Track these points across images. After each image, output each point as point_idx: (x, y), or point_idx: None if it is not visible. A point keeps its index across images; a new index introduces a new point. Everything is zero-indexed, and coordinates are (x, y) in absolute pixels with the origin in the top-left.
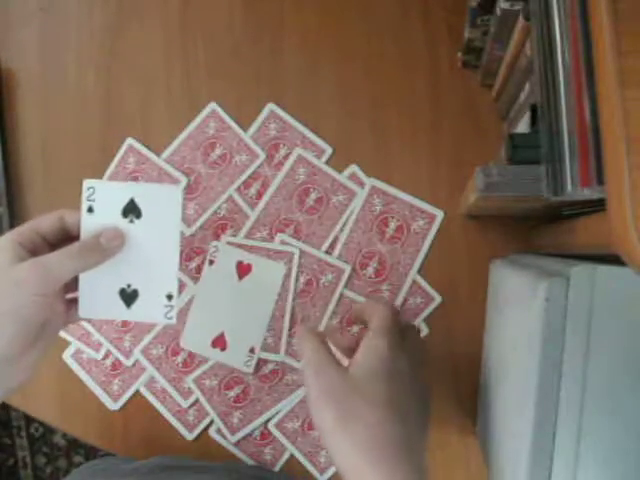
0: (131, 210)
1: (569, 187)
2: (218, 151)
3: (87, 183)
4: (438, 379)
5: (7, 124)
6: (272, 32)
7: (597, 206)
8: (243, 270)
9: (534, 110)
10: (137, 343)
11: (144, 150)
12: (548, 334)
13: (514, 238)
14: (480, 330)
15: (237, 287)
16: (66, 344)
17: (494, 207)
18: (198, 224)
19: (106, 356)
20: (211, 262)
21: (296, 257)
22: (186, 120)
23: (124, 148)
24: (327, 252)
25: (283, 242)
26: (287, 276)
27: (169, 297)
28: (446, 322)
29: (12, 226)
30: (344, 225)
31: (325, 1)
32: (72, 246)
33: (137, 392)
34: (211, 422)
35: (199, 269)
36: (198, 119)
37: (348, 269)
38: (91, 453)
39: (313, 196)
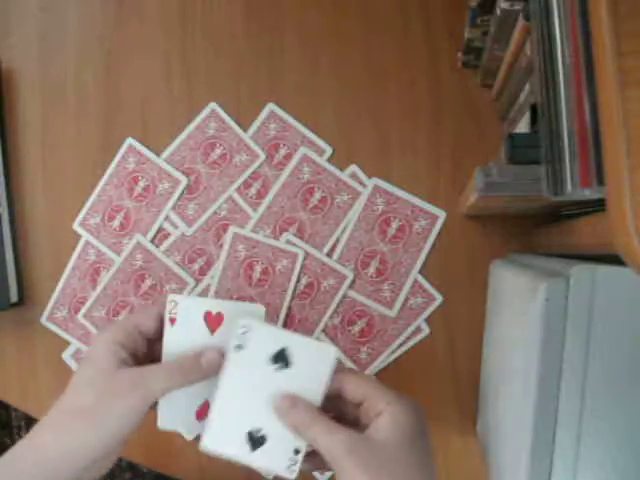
0: (281, 359)
1: (569, 187)
2: (218, 151)
3: (242, 321)
4: (438, 379)
5: (7, 124)
6: (272, 32)
7: (597, 206)
8: (213, 322)
9: (534, 110)
10: None
11: (144, 150)
12: (548, 334)
13: (514, 238)
14: (480, 330)
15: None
16: (66, 344)
17: (494, 207)
18: (198, 224)
19: None
20: (172, 321)
21: (300, 258)
22: (186, 120)
23: (124, 148)
24: (329, 254)
25: (289, 242)
26: (288, 278)
27: (296, 452)
28: (447, 322)
29: (12, 226)
30: (347, 224)
31: (325, 1)
32: (172, 365)
33: None
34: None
35: (202, 271)
36: (198, 119)
37: (351, 276)
38: None
39: (317, 195)
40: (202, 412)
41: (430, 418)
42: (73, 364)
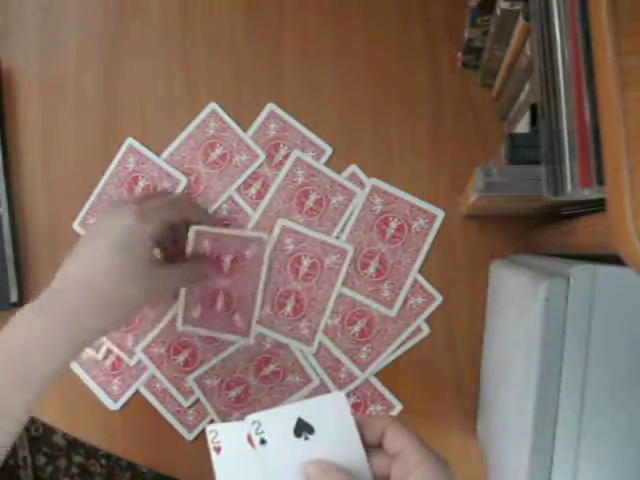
0: (302, 428)
1: (569, 187)
2: (218, 151)
3: (251, 418)
4: (438, 379)
5: (7, 124)
6: (272, 32)
7: (597, 206)
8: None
9: (534, 110)
10: (139, 342)
11: (144, 150)
12: (548, 334)
13: (514, 238)
14: (480, 330)
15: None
16: None
17: (494, 207)
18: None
19: (106, 356)
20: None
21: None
22: (186, 120)
23: (124, 148)
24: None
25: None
26: (274, 258)
27: None
28: (447, 322)
29: (12, 226)
30: (345, 225)
31: (325, 2)
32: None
33: (137, 392)
34: (211, 422)
35: None
36: (198, 119)
37: (351, 251)
38: (91, 453)
39: (312, 198)
40: None
41: (430, 418)
42: (73, 364)
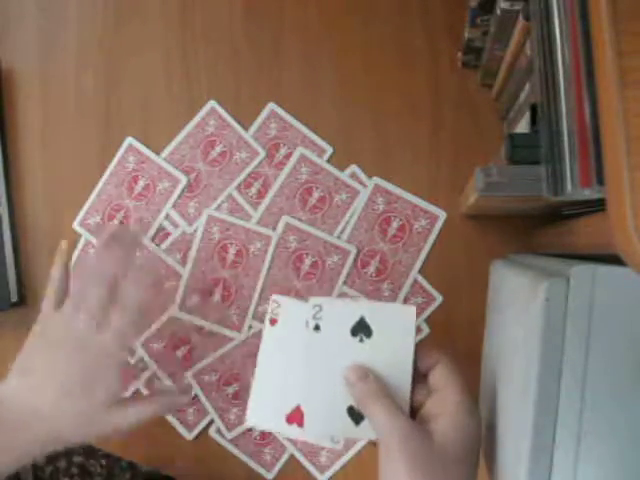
0: (361, 329)
1: (569, 187)
2: (218, 149)
3: (314, 300)
4: None
5: (7, 124)
6: (272, 32)
7: (597, 206)
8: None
9: (534, 110)
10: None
11: (144, 149)
12: (548, 334)
13: (514, 238)
14: (480, 330)
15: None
16: None
17: (494, 207)
18: (199, 223)
19: None
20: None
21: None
22: (186, 119)
23: (124, 147)
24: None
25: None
26: (276, 249)
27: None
28: (447, 321)
29: (12, 226)
30: (346, 224)
31: (325, 2)
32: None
33: (137, 392)
34: (211, 422)
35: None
36: (197, 117)
37: (354, 252)
38: (91, 453)
39: (316, 195)
40: (293, 417)
41: None
42: None
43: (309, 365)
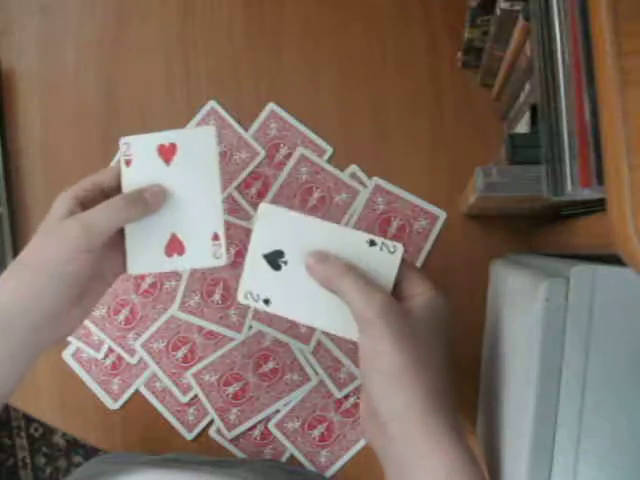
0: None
1: (569, 187)
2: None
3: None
4: None
5: (7, 123)
6: (272, 32)
7: (597, 206)
8: (167, 153)
9: (534, 110)
10: (139, 337)
11: None
12: (548, 334)
13: (514, 238)
14: (480, 330)
15: (168, 175)
16: (66, 344)
17: (494, 207)
18: None
19: (106, 355)
20: (128, 162)
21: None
22: (186, 119)
23: None
24: None
25: None
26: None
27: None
28: None
29: (12, 226)
30: (346, 224)
31: (325, 2)
32: (115, 199)
33: (137, 392)
34: (211, 422)
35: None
36: (198, 117)
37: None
38: (91, 453)
39: (316, 195)
40: (171, 247)
41: None
42: (73, 363)
43: (170, 195)
